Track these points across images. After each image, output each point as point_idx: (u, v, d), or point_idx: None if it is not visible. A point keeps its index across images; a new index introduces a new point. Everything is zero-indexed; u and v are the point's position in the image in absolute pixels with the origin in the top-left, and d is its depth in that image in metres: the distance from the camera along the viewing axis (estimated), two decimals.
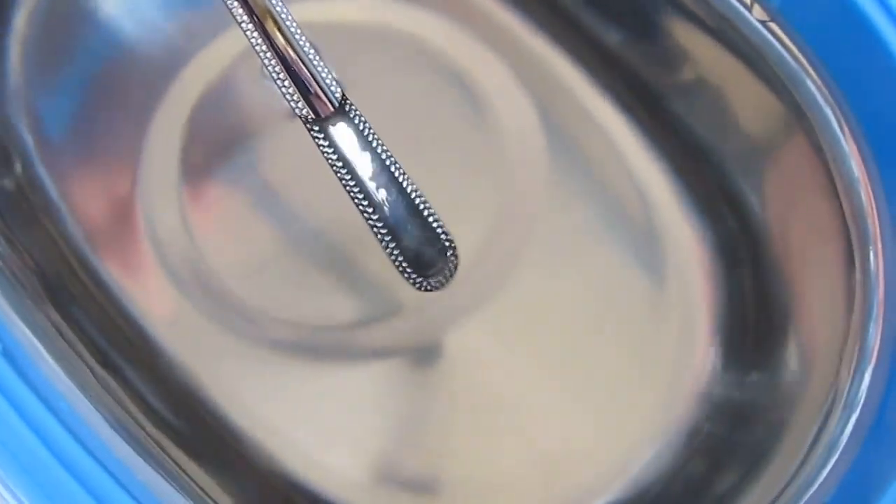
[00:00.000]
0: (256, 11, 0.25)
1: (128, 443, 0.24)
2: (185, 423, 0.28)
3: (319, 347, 0.30)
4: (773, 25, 0.28)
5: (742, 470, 0.28)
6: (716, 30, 0.29)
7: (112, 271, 0.29)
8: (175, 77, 0.31)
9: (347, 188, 0.27)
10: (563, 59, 0.32)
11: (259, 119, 0.31)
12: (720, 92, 0.30)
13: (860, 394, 0.26)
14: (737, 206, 0.30)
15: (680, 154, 0.31)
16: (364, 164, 0.27)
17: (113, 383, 0.27)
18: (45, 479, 0.21)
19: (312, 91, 0.26)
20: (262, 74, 0.29)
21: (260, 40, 0.26)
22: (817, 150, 0.28)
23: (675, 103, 0.31)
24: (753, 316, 0.30)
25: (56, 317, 0.26)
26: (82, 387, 0.24)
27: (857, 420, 0.26)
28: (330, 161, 0.27)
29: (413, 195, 0.27)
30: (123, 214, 0.30)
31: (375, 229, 0.27)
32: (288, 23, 0.25)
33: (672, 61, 0.31)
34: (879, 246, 0.27)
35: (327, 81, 0.26)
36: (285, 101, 0.27)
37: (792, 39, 0.28)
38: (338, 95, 0.27)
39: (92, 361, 0.26)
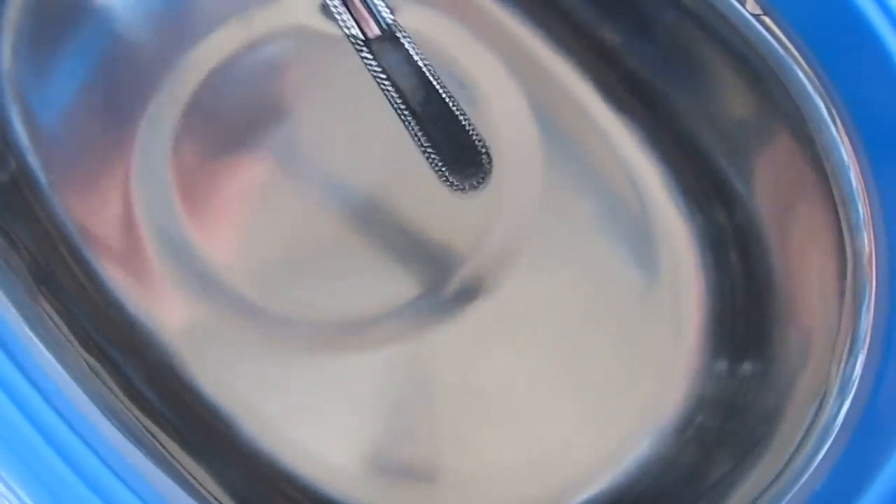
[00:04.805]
0: None
1: (119, 430, 0.24)
2: (178, 412, 0.28)
3: (313, 338, 0.30)
4: (766, 19, 0.28)
5: (735, 459, 0.28)
6: (708, 24, 0.30)
7: (104, 261, 0.29)
8: (170, 68, 0.31)
9: (394, 104, 0.30)
10: (556, 54, 0.32)
11: (255, 110, 0.31)
12: (712, 85, 0.30)
13: (852, 380, 0.26)
14: (728, 197, 0.31)
15: (672, 147, 0.31)
16: (411, 84, 0.30)
17: (104, 372, 0.27)
18: (37, 464, 0.21)
19: (363, 14, 0.28)
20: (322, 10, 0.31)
21: None
22: (808, 141, 0.28)
23: (667, 97, 0.31)
24: (745, 307, 0.30)
25: (48, 305, 0.26)
26: (74, 374, 0.24)
27: (850, 407, 0.26)
28: (378, 80, 0.30)
29: (453, 108, 0.31)
30: (116, 204, 0.30)
31: (417, 140, 0.30)
32: None
33: (665, 55, 0.31)
34: (871, 233, 0.27)
35: (376, 4, 0.28)
36: (341, 30, 0.29)
37: (784, 32, 0.28)
38: (388, 20, 0.28)
39: (83, 350, 0.26)
